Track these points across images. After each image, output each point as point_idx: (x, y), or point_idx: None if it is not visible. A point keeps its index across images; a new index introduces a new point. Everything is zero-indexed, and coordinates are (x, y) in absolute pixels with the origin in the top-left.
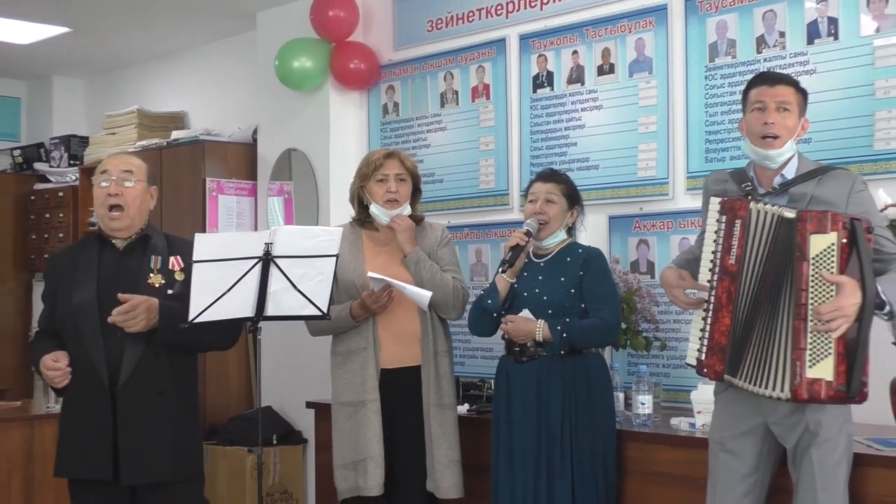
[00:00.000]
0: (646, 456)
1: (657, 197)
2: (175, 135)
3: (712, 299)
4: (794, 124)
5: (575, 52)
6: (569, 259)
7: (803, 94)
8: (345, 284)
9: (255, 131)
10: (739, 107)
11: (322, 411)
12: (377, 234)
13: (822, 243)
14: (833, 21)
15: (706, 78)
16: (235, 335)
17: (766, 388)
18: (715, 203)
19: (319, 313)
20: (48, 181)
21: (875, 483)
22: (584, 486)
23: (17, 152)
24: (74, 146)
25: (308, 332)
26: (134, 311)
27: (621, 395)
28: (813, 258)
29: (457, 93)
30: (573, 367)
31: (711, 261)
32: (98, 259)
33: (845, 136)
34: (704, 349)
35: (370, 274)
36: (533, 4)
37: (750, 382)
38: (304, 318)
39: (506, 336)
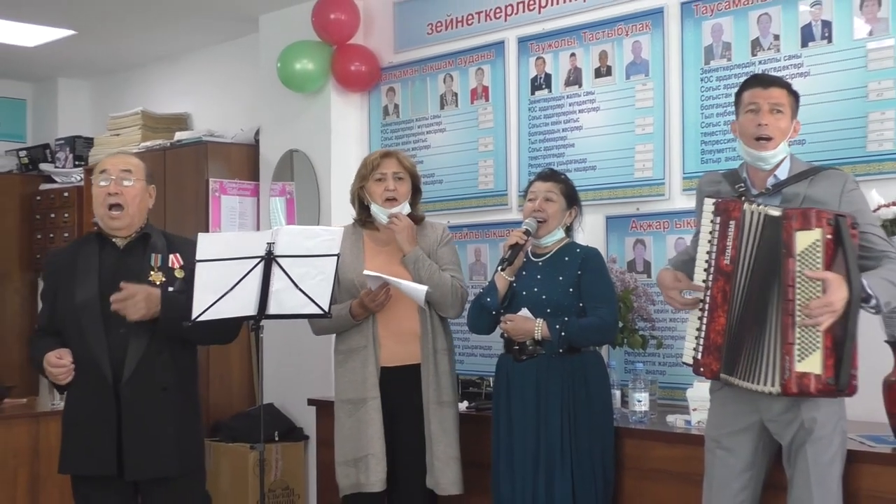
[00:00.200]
0: (642, 452)
1: (653, 197)
2: (178, 136)
3: (708, 299)
4: (787, 126)
5: (572, 55)
6: (567, 258)
7: (795, 96)
8: (346, 284)
9: (257, 133)
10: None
11: (323, 408)
12: (378, 234)
13: (807, 240)
14: (827, 24)
15: (702, 80)
16: (237, 329)
17: (757, 383)
18: (709, 204)
19: (320, 312)
20: (53, 182)
21: (867, 479)
22: (583, 483)
23: (22, 153)
24: (79, 147)
25: (311, 331)
26: (133, 298)
27: (618, 393)
28: (799, 254)
29: (456, 95)
30: (572, 366)
31: (706, 261)
32: (98, 258)
33: (839, 137)
34: (701, 348)
35: (365, 272)
36: (531, 8)
37: (744, 379)
38: (306, 317)
39: (505, 335)
